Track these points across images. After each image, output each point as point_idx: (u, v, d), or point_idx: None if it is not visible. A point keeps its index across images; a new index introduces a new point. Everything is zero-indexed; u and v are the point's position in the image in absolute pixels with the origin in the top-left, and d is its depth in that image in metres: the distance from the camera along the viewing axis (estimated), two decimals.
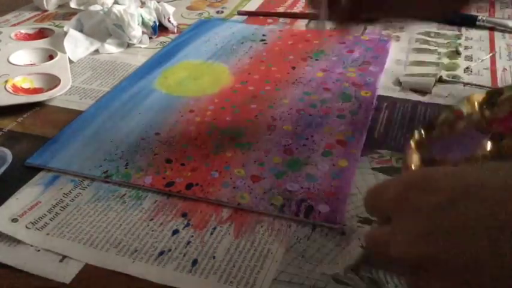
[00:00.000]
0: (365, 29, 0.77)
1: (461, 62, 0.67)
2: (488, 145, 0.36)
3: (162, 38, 0.76)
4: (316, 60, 0.67)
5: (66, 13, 0.85)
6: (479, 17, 0.77)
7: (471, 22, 0.77)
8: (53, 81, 0.62)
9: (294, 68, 0.65)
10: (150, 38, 0.75)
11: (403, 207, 0.28)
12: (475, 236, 0.25)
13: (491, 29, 0.76)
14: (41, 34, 0.77)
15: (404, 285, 0.32)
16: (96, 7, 0.74)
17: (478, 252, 0.25)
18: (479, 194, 0.26)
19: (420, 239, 0.27)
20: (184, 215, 0.42)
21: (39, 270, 0.37)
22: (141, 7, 0.77)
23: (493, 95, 0.36)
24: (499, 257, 0.24)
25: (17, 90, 0.61)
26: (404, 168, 0.35)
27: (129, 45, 0.73)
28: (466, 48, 0.70)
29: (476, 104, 0.36)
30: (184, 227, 0.41)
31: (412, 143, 0.35)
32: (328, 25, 0.45)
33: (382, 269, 0.35)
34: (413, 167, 0.35)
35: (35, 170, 0.48)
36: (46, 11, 0.87)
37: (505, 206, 0.25)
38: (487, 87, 0.61)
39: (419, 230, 0.27)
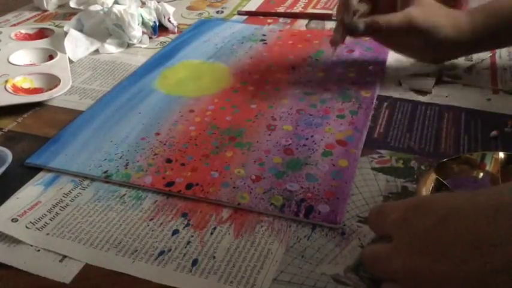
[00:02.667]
0: None
1: (461, 62, 0.67)
2: None
3: (162, 38, 0.76)
4: (316, 60, 0.67)
5: (66, 13, 0.85)
6: None
7: None
8: (53, 81, 0.62)
9: (294, 68, 0.65)
10: (150, 38, 0.75)
11: (403, 228, 0.33)
12: (457, 252, 0.29)
13: None
14: (41, 34, 0.77)
15: None
16: (96, 7, 0.74)
17: (459, 266, 0.29)
18: (461, 215, 0.30)
19: (414, 256, 0.31)
20: (184, 215, 0.42)
21: (39, 270, 0.37)
22: (141, 7, 0.77)
23: None
24: (476, 269, 0.28)
25: (17, 90, 0.61)
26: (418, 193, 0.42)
27: (129, 45, 0.73)
28: None
29: (499, 164, 0.43)
30: (184, 227, 0.41)
31: (431, 173, 0.43)
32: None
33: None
34: (424, 192, 0.42)
35: (35, 170, 0.48)
36: (46, 11, 0.87)
37: (482, 224, 0.29)
38: (487, 87, 0.61)
39: (414, 248, 0.31)
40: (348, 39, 0.60)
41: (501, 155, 0.43)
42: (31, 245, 0.39)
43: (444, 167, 0.43)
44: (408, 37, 0.58)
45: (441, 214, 0.31)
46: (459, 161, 0.44)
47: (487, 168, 0.43)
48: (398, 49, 0.64)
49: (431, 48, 0.59)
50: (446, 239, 0.30)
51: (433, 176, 0.42)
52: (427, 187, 0.42)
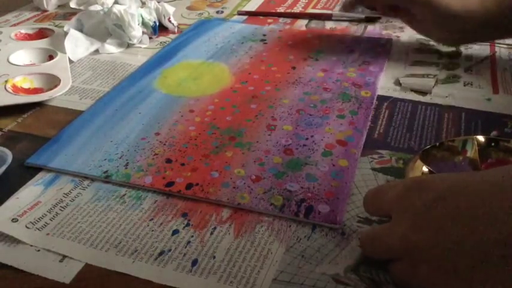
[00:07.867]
0: (365, 28, 0.77)
1: (462, 62, 0.67)
2: None
3: (162, 38, 0.76)
4: (316, 60, 0.67)
5: (66, 13, 0.85)
6: None
7: None
8: (53, 81, 0.62)
9: (294, 68, 0.65)
10: (150, 38, 0.75)
11: (402, 205, 0.33)
12: (456, 226, 0.29)
13: None
14: (41, 34, 0.77)
15: (394, 276, 0.35)
16: (96, 7, 0.74)
17: (458, 239, 0.29)
18: (461, 192, 0.30)
19: (413, 230, 0.31)
20: (184, 215, 0.42)
21: (39, 270, 0.37)
22: (142, 7, 0.77)
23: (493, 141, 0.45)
24: (476, 242, 0.28)
25: (17, 90, 0.61)
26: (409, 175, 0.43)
27: (129, 45, 0.73)
28: (466, 48, 0.70)
29: (477, 147, 0.45)
30: (184, 227, 0.41)
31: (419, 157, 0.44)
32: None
33: (379, 264, 0.35)
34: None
35: (35, 170, 0.48)
36: (46, 11, 0.87)
37: (482, 200, 0.29)
38: (487, 87, 0.61)
39: (413, 223, 0.31)
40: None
41: (480, 138, 0.45)
42: (31, 245, 0.39)
43: (428, 154, 0.45)
44: (413, 8, 0.63)
45: (441, 190, 0.31)
46: (442, 147, 0.46)
47: (468, 152, 0.45)
48: (410, 23, 0.68)
49: (442, 26, 0.62)
50: (446, 213, 0.30)
51: (418, 162, 0.44)
52: (414, 173, 0.43)
